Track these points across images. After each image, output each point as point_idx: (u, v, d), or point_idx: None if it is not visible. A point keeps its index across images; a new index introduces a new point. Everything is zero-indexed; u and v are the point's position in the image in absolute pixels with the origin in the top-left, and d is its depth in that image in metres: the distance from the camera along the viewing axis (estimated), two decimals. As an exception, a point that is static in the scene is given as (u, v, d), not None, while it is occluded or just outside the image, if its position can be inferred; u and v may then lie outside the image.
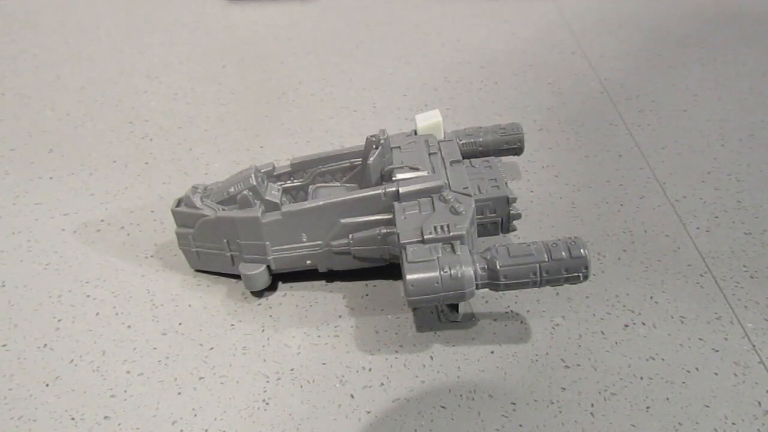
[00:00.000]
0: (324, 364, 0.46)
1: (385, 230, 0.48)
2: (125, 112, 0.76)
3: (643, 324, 0.48)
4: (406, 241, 0.44)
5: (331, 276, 0.53)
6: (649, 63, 0.81)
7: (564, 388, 0.44)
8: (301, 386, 0.45)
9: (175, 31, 0.93)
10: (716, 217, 0.57)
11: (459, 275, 0.42)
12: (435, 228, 0.44)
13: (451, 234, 0.44)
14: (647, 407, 0.42)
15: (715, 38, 0.85)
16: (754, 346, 0.46)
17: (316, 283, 0.52)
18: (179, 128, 0.73)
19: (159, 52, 0.88)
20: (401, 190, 0.48)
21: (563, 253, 0.43)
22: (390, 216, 0.48)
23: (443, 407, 0.43)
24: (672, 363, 0.45)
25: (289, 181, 0.55)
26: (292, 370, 0.46)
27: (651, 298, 0.50)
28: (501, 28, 0.90)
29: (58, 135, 0.72)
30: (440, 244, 0.44)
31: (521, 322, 0.48)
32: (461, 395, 0.44)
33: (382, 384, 0.45)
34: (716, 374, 0.44)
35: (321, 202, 0.48)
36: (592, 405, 0.43)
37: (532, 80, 0.78)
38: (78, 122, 0.74)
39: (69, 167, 0.67)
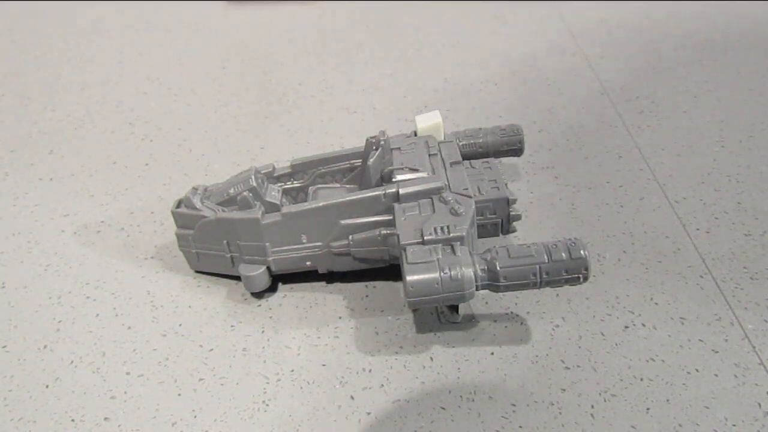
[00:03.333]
0: (324, 365, 0.46)
1: (385, 231, 0.48)
2: (125, 113, 0.76)
3: (643, 325, 0.48)
4: (406, 243, 0.44)
5: (331, 277, 0.53)
6: (649, 64, 0.81)
7: (564, 390, 0.44)
8: (301, 387, 0.45)
9: (175, 32, 0.93)
10: (716, 219, 0.57)
11: (459, 276, 0.42)
12: (435, 229, 0.44)
13: (451, 235, 0.44)
14: (647, 409, 0.42)
15: (714, 39, 0.85)
16: (754, 347, 0.46)
17: (316, 285, 0.52)
18: (179, 129, 0.73)
19: (159, 53, 0.88)
20: (401, 191, 0.48)
21: (563, 255, 0.43)
22: (390, 217, 0.48)
23: (443, 408, 0.43)
24: (672, 364, 0.45)
25: (289, 183, 0.55)
26: (292, 371, 0.46)
27: (651, 299, 0.50)
28: (501, 30, 0.90)
29: (58, 136, 0.72)
30: (440, 245, 0.44)
31: (521, 323, 0.48)
32: (461, 396, 0.44)
33: (382, 385, 0.45)
34: (716, 376, 0.44)
35: (321, 203, 0.48)
36: (592, 406, 0.43)
37: (532, 81, 0.78)
38: (78, 123, 0.74)
39: (69, 168, 0.67)
